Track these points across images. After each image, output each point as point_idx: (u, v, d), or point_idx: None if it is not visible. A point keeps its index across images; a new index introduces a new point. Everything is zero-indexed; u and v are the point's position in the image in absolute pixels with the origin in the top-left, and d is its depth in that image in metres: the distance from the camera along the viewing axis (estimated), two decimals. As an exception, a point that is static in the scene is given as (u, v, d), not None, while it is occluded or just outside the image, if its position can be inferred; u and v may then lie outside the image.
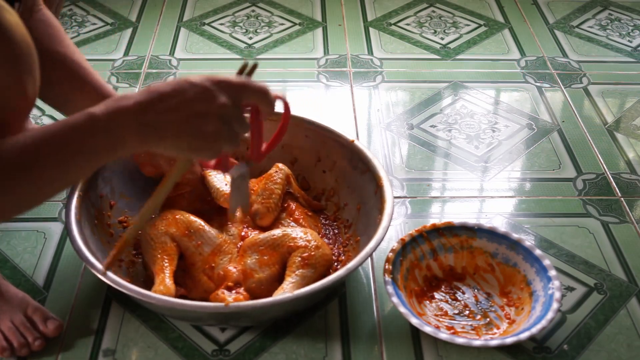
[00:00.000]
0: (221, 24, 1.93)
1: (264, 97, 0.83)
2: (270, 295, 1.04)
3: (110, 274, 1.00)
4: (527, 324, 1.05)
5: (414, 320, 1.03)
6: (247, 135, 0.86)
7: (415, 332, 1.09)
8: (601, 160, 1.46)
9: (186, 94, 0.76)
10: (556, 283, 1.08)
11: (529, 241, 1.18)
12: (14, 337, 1.03)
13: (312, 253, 1.09)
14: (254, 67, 0.88)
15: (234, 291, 1.05)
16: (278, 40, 1.86)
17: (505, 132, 1.54)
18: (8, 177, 0.72)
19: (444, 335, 1.03)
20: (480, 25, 1.95)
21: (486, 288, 1.16)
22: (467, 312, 1.12)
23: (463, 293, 1.15)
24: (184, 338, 1.08)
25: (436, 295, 1.15)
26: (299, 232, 1.11)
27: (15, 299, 1.07)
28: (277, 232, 1.12)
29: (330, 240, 1.22)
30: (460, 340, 1.02)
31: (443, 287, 1.16)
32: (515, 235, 1.15)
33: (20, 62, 0.74)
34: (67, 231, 1.07)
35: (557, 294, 1.06)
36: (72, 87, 1.03)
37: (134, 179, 1.21)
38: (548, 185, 1.40)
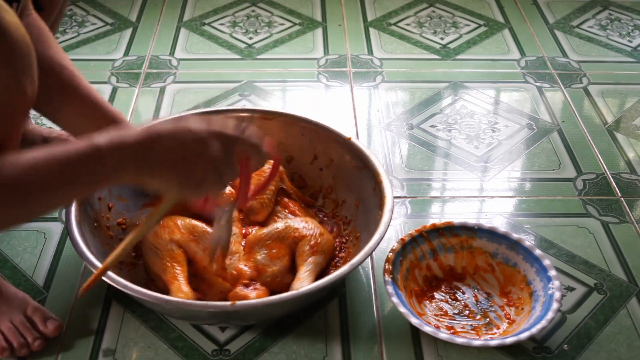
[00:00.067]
0: (221, 24, 1.93)
1: (256, 153, 0.89)
2: (286, 286, 1.09)
3: (113, 274, 1.00)
4: (527, 324, 1.05)
5: (414, 320, 1.03)
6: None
7: (415, 332, 1.09)
8: (601, 160, 1.46)
9: (183, 139, 0.81)
10: (556, 283, 1.08)
11: (529, 241, 1.18)
12: (14, 337, 1.03)
13: (319, 240, 1.12)
14: (251, 122, 0.98)
15: (251, 287, 1.07)
16: (278, 40, 1.86)
17: (505, 132, 1.54)
18: (7, 196, 0.73)
19: (443, 335, 1.03)
20: (480, 25, 1.95)
21: (486, 288, 1.16)
22: (467, 312, 1.12)
23: (463, 293, 1.15)
24: (184, 338, 1.08)
25: (436, 295, 1.15)
26: (300, 223, 1.14)
27: (15, 299, 1.07)
28: (279, 225, 1.14)
29: None
30: (460, 340, 1.02)
31: (443, 287, 1.16)
32: (515, 235, 1.15)
33: (18, 61, 0.74)
34: (67, 232, 1.08)
35: (557, 294, 1.06)
36: (61, 93, 1.03)
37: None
38: (548, 185, 1.40)
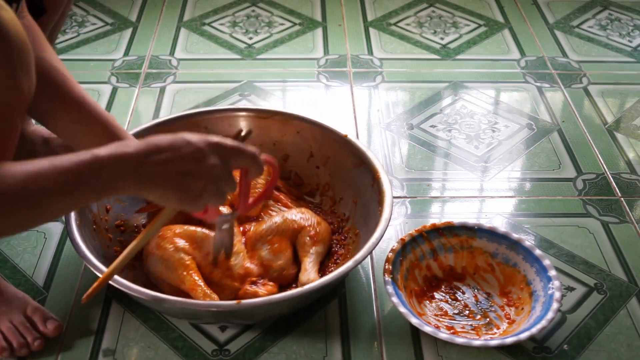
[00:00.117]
0: (221, 24, 1.93)
1: (254, 163, 0.89)
2: (291, 277, 1.12)
3: (117, 277, 1.00)
4: (527, 324, 1.05)
5: (414, 320, 1.03)
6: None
7: (415, 332, 1.09)
8: (601, 160, 1.46)
9: (180, 151, 0.82)
10: (556, 283, 1.08)
11: (529, 241, 1.18)
12: (14, 337, 1.03)
13: (318, 230, 1.16)
14: (248, 133, 0.97)
15: (260, 283, 1.09)
16: (278, 40, 1.86)
17: (505, 132, 1.54)
18: (8, 205, 0.74)
19: (443, 335, 1.03)
20: (480, 25, 1.95)
21: (486, 288, 1.16)
22: (467, 312, 1.12)
23: (463, 293, 1.15)
24: (184, 338, 1.08)
25: (436, 295, 1.15)
26: (297, 214, 1.17)
27: (15, 299, 1.06)
28: (277, 219, 1.15)
29: None
30: (460, 340, 1.02)
31: (443, 287, 1.16)
32: (515, 235, 1.15)
33: (15, 58, 0.74)
34: (67, 233, 1.08)
35: (557, 294, 1.06)
36: (54, 97, 1.02)
37: None
38: (548, 185, 1.40)
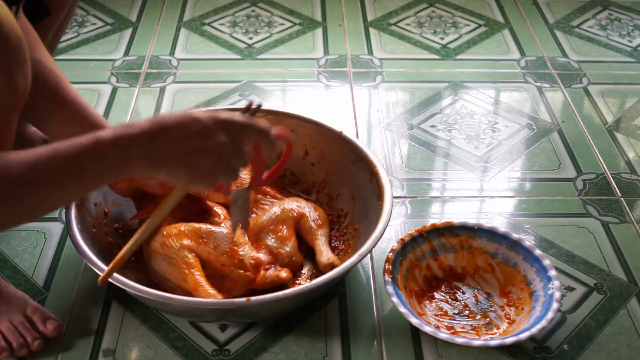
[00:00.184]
0: (221, 24, 1.93)
1: (265, 138, 0.87)
2: (299, 264, 1.15)
3: (123, 278, 1.01)
4: (527, 324, 1.05)
5: (414, 320, 1.03)
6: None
7: (415, 332, 1.09)
8: (601, 160, 1.46)
9: (188, 129, 0.80)
10: (556, 283, 1.08)
11: (529, 241, 1.18)
12: (13, 338, 1.03)
13: (317, 214, 1.19)
14: (258, 107, 0.93)
15: (272, 270, 1.11)
16: (278, 40, 1.86)
17: (505, 132, 1.54)
18: (12, 192, 0.73)
19: (443, 335, 1.03)
20: (480, 25, 1.95)
21: (486, 288, 1.16)
22: (467, 312, 1.12)
23: (463, 293, 1.15)
24: (184, 338, 1.08)
25: (436, 295, 1.15)
26: (292, 203, 1.19)
27: (14, 299, 1.06)
28: (275, 209, 1.17)
29: None
30: (460, 340, 1.02)
31: (443, 287, 1.16)
32: (515, 235, 1.15)
33: (10, 55, 0.74)
34: (67, 232, 1.07)
35: (557, 294, 1.06)
36: (47, 98, 1.02)
37: None
38: (548, 185, 1.40)
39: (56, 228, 1.27)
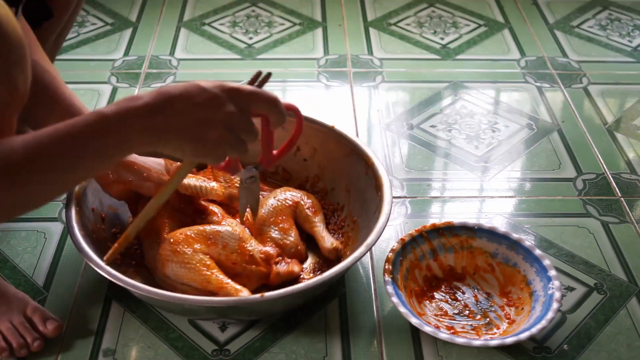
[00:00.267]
0: (221, 24, 1.93)
1: (274, 108, 0.84)
2: (304, 252, 1.17)
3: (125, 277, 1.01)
4: (527, 324, 1.05)
5: (414, 320, 1.03)
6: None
7: (415, 332, 1.09)
8: (601, 160, 1.46)
9: (194, 99, 0.77)
10: (556, 283, 1.08)
11: (529, 241, 1.18)
12: (13, 338, 1.03)
13: (311, 202, 1.21)
14: (267, 76, 0.88)
15: (283, 264, 1.12)
16: (278, 40, 1.86)
17: (505, 132, 1.54)
18: (17, 174, 0.72)
19: (444, 335, 1.03)
20: (480, 25, 1.95)
21: (486, 288, 1.16)
22: (467, 312, 1.12)
23: (463, 293, 1.15)
24: (184, 338, 1.08)
25: (436, 295, 1.15)
26: (284, 193, 1.21)
27: (14, 299, 1.06)
28: (271, 201, 1.19)
29: None
30: (460, 340, 1.02)
31: (443, 287, 1.16)
32: (515, 235, 1.15)
33: (10, 55, 0.73)
34: (68, 230, 1.07)
35: (557, 294, 1.06)
36: (42, 98, 1.02)
37: None
38: (548, 185, 1.40)
39: (56, 228, 1.27)
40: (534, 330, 1.02)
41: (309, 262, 1.19)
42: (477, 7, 2.03)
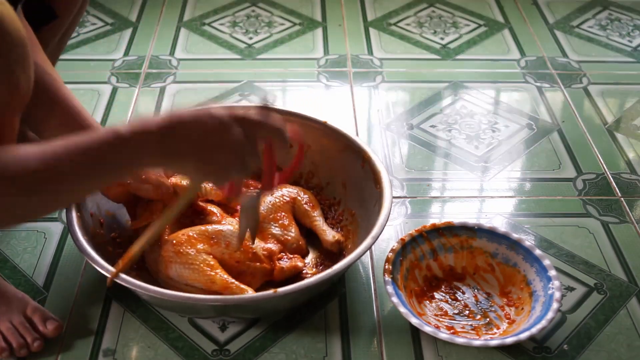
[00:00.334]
0: (221, 24, 1.93)
1: (279, 136, 0.87)
2: (305, 247, 1.17)
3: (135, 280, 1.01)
4: (527, 324, 1.05)
5: (414, 320, 1.03)
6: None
7: (415, 332, 1.09)
8: (601, 160, 1.46)
9: (204, 125, 0.80)
10: (556, 283, 1.08)
11: (529, 241, 1.18)
12: (13, 338, 1.03)
13: (308, 197, 1.22)
14: (274, 105, 0.96)
15: (285, 259, 1.12)
16: (278, 40, 1.86)
17: (505, 132, 1.54)
18: (32, 181, 0.73)
19: (444, 335, 1.03)
20: (480, 25, 1.95)
21: (486, 288, 1.16)
22: (467, 312, 1.12)
23: (463, 293, 1.15)
24: (184, 338, 1.08)
25: (436, 295, 1.15)
26: (280, 190, 1.22)
27: (14, 299, 1.06)
28: (269, 199, 1.20)
29: None
30: (460, 340, 1.02)
31: (443, 287, 1.16)
32: (515, 235, 1.15)
33: (12, 54, 0.73)
34: (68, 230, 1.07)
35: (557, 294, 1.06)
36: (42, 99, 1.02)
37: None
38: (548, 185, 1.40)
39: (56, 228, 1.27)
40: (534, 330, 1.02)
41: (310, 257, 1.19)
42: (477, 7, 2.03)
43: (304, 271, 1.15)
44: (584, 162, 1.45)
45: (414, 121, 1.57)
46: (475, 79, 1.72)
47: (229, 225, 1.12)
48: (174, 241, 1.08)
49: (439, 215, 1.34)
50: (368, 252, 1.19)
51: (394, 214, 1.30)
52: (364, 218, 1.17)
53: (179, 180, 1.16)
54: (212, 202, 1.19)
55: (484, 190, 1.39)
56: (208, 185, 1.16)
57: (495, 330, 1.09)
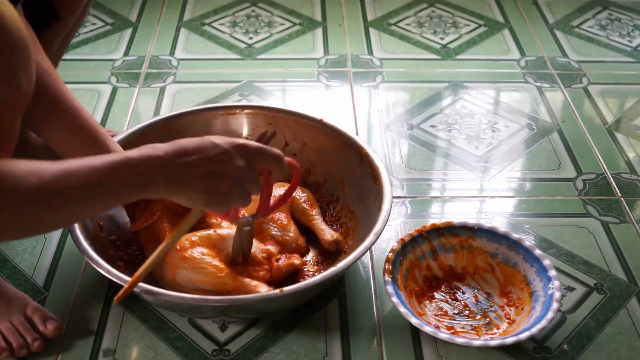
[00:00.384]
0: (221, 24, 1.93)
1: (278, 164, 0.91)
2: (304, 246, 1.17)
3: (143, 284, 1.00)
4: (527, 324, 1.05)
5: (414, 320, 1.03)
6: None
7: (415, 332, 1.09)
8: (601, 160, 1.46)
9: (207, 153, 0.83)
10: (556, 283, 1.08)
11: (529, 241, 1.18)
12: (13, 338, 1.03)
13: (306, 195, 1.23)
14: (273, 135, 1.00)
15: (283, 258, 1.12)
16: (278, 40, 1.86)
17: (505, 132, 1.54)
18: (46, 200, 0.74)
19: (444, 335, 1.03)
20: (480, 25, 1.95)
21: (486, 288, 1.16)
22: (467, 312, 1.12)
23: (463, 293, 1.15)
24: (184, 338, 1.08)
25: (436, 295, 1.15)
26: (278, 189, 1.21)
27: (14, 299, 1.06)
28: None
29: None
30: (460, 340, 1.02)
31: (443, 287, 1.16)
32: (515, 235, 1.15)
33: (14, 54, 0.73)
34: (69, 230, 1.07)
35: (557, 294, 1.06)
36: (46, 102, 1.02)
37: None
38: (548, 185, 1.40)
39: (56, 228, 1.27)
40: (534, 330, 1.02)
41: (311, 256, 1.19)
42: (477, 7, 2.03)
43: (306, 269, 1.15)
44: (584, 162, 1.45)
45: (414, 121, 1.57)
46: (475, 79, 1.72)
47: (230, 229, 1.12)
48: (178, 247, 1.08)
49: (439, 215, 1.34)
50: (368, 252, 1.19)
51: (394, 214, 1.30)
52: (364, 214, 1.17)
53: None
54: None
55: (484, 190, 1.39)
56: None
57: (495, 330, 1.09)
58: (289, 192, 1.08)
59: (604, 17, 1.99)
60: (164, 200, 1.15)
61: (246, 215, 1.07)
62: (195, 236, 1.10)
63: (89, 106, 1.57)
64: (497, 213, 1.33)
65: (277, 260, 1.12)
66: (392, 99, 1.65)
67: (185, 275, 1.07)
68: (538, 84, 1.70)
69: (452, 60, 1.80)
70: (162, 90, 1.65)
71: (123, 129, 1.48)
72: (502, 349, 1.06)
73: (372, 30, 1.91)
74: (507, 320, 1.10)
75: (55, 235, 1.25)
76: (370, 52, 1.81)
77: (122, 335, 1.08)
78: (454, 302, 1.14)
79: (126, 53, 1.79)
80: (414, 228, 1.18)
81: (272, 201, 1.04)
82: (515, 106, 1.63)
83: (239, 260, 1.10)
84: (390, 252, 1.13)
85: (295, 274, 1.13)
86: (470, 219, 1.28)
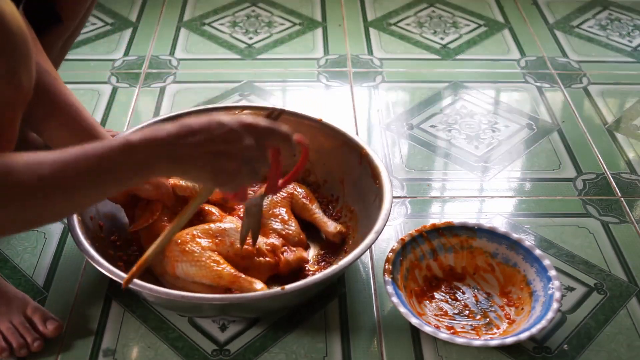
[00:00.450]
0: (221, 24, 1.93)
1: (286, 142, 0.89)
2: (305, 240, 1.18)
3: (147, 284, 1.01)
4: (527, 324, 1.05)
5: (414, 320, 1.03)
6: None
7: (415, 332, 1.09)
8: (601, 160, 1.46)
9: (214, 133, 0.82)
10: (556, 283, 1.08)
11: (529, 241, 1.18)
12: (13, 338, 1.03)
13: (304, 191, 1.24)
14: (281, 112, 0.98)
15: (289, 252, 1.13)
16: (278, 40, 1.86)
17: (505, 132, 1.54)
18: (41, 190, 0.74)
19: (444, 335, 1.03)
20: (480, 25, 1.95)
21: (486, 288, 1.16)
22: (467, 312, 1.12)
23: (463, 293, 1.15)
24: (184, 338, 1.08)
25: (436, 295, 1.15)
26: None
27: (14, 299, 1.06)
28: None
29: None
30: (460, 340, 1.02)
31: (443, 287, 1.16)
32: (515, 235, 1.15)
33: (14, 52, 0.73)
34: (69, 229, 1.07)
35: (557, 294, 1.06)
36: (46, 102, 1.02)
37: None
38: (548, 185, 1.40)
39: (56, 228, 1.27)
40: (534, 330, 1.02)
41: (312, 254, 1.19)
42: (477, 7, 2.03)
43: (307, 268, 1.15)
44: (584, 162, 1.45)
45: (414, 121, 1.57)
46: (475, 79, 1.72)
47: (231, 223, 1.12)
48: (179, 240, 1.08)
49: (439, 215, 1.34)
50: (368, 252, 1.19)
51: (394, 214, 1.30)
52: (364, 214, 1.17)
53: (178, 180, 1.16)
54: (208, 202, 1.19)
55: (484, 190, 1.39)
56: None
57: (495, 330, 1.09)
58: (297, 171, 1.06)
59: (604, 17, 1.99)
60: (164, 200, 1.15)
61: (253, 195, 1.06)
62: (196, 230, 1.10)
63: (89, 106, 1.57)
64: (497, 213, 1.33)
65: (283, 253, 1.13)
66: (392, 99, 1.65)
67: (184, 269, 1.07)
68: (538, 84, 1.70)
69: (452, 60, 1.80)
70: (162, 90, 1.65)
71: (123, 129, 1.48)
72: (502, 349, 1.06)
73: (372, 30, 1.91)
74: (507, 320, 1.10)
75: (55, 235, 1.25)
76: (370, 52, 1.81)
77: (122, 335, 1.08)
78: (454, 302, 1.14)
79: (126, 53, 1.79)
80: (414, 228, 1.18)
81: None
82: (515, 106, 1.63)
83: (249, 242, 1.10)
84: (390, 252, 1.13)
85: (295, 272, 1.13)
86: (470, 219, 1.28)
